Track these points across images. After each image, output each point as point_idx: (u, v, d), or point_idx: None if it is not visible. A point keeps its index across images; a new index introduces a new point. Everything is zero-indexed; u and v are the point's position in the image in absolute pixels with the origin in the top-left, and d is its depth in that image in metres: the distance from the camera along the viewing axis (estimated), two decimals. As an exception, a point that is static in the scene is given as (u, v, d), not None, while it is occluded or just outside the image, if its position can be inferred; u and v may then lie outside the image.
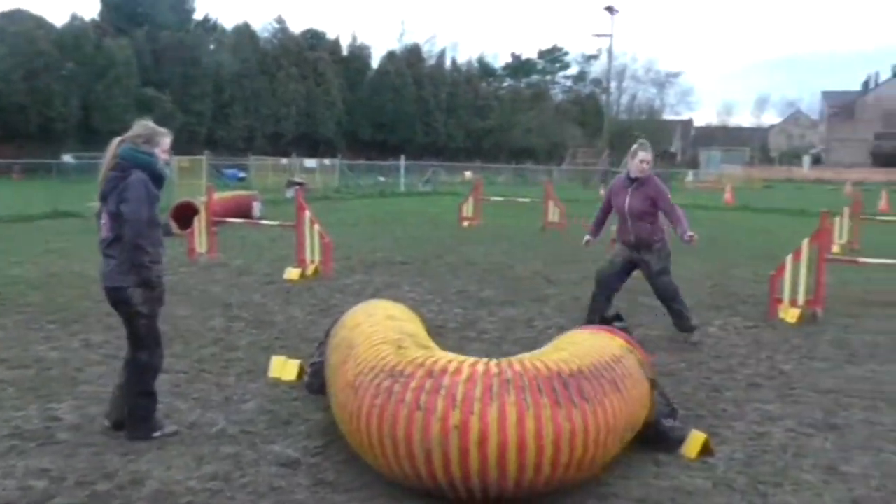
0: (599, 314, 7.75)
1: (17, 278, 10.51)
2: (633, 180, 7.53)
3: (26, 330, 7.63)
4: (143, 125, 4.94)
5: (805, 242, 8.68)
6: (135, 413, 4.85)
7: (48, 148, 45.37)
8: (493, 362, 4.05)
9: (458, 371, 3.94)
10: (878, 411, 5.61)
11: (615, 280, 7.78)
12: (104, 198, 4.80)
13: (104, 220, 4.82)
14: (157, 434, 4.86)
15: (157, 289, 4.84)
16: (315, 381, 5.67)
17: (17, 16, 51.12)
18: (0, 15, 51.01)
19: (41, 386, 5.85)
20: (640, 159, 7.50)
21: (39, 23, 52.03)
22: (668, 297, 7.66)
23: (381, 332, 4.71)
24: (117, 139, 4.89)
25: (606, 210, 7.96)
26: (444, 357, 4.15)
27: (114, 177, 4.76)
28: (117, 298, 4.81)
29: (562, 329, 7.32)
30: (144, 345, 4.88)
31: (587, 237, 8.21)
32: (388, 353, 4.28)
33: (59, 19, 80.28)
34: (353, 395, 4.19)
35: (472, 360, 4.09)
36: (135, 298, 4.76)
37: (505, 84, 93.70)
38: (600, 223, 8.09)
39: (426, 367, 4.01)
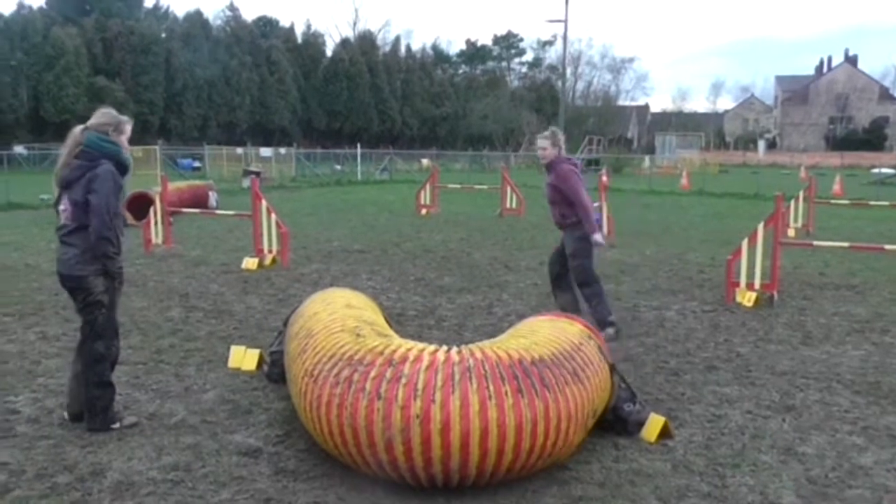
0: (562, 299, 7.69)
1: (-31, 272, 10.30)
2: (546, 167, 7.43)
3: (-20, 324, 7.52)
4: (108, 113, 4.88)
5: (760, 226, 8.78)
6: (93, 404, 4.79)
7: (-2, 139, 44.50)
8: (454, 350, 4.03)
9: (418, 359, 3.91)
10: (834, 392, 5.70)
11: (556, 262, 7.67)
12: (67, 185, 4.72)
13: (64, 207, 4.75)
14: (116, 426, 4.81)
15: (117, 278, 4.82)
16: (275, 371, 5.65)
17: (-38, 5, 49.86)
18: (-56, 4, 49.71)
19: (-2, 379, 5.78)
20: (537, 146, 7.47)
21: (-15, 12, 50.83)
22: (579, 282, 7.42)
23: (339, 320, 4.67)
24: (80, 127, 4.80)
25: None
26: (404, 345, 4.11)
27: (79, 165, 4.69)
28: (77, 286, 4.75)
29: (521, 315, 7.32)
30: (102, 335, 4.82)
31: None
32: (347, 341, 4.24)
33: (5, 8, 78.61)
34: (312, 384, 4.14)
35: (432, 347, 4.06)
36: (96, 287, 4.72)
37: (460, 71, 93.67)
38: None
39: (385, 356, 3.98)
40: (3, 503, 3.89)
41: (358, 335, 4.29)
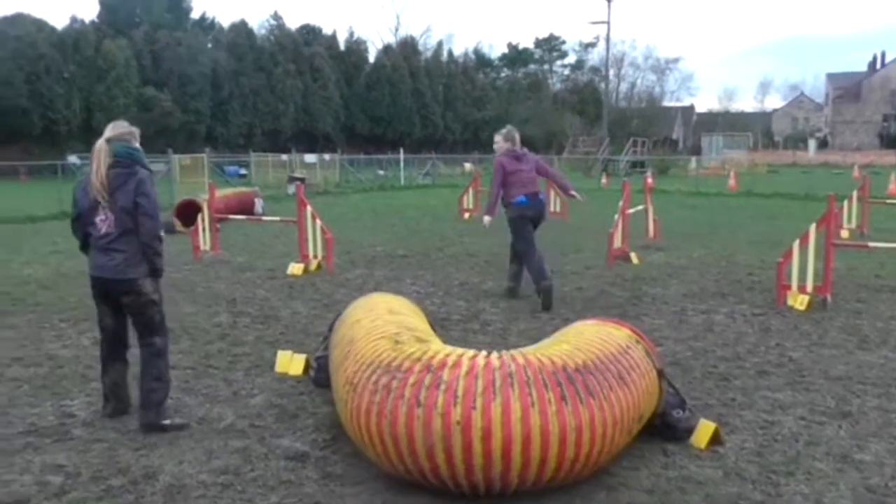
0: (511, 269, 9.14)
1: (28, 278, 10.60)
2: None
3: (38, 329, 7.72)
4: (125, 125, 5.06)
5: (812, 227, 8.56)
6: (149, 398, 4.92)
7: (52, 150, 45.61)
8: (494, 355, 3.97)
9: (457, 364, 3.85)
10: (892, 398, 5.52)
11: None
12: (111, 194, 4.81)
13: (104, 217, 4.86)
14: (167, 422, 4.92)
15: (160, 277, 5.04)
16: (321, 376, 5.66)
17: (19, 20, 51.10)
18: (1, 20, 51.02)
19: (54, 383, 5.92)
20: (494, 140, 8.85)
21: (40, 26, 52.10)
22: (519, 253, 8.87)
23: (380, 326, 4.65)
24: (104, 139, 4.90)
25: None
26: (443, 350, 4.06)
27: (118, 174, 4.82)
28: (130, 289, 4.91)
29: (566, 319, 7.26)
30: (157, 331, 5.02)
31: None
32: (386, 348, 4.21)
33: (59, 21, 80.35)
34: (352, 392, 4.12)
35: (471, 352, 4.00)
36: (146, 287, 4.93)
37: (502, 74, 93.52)
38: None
39: (423, 362, 3.92)
40: (61, 504, 3.96)
41: (396, 342, 4.25)
